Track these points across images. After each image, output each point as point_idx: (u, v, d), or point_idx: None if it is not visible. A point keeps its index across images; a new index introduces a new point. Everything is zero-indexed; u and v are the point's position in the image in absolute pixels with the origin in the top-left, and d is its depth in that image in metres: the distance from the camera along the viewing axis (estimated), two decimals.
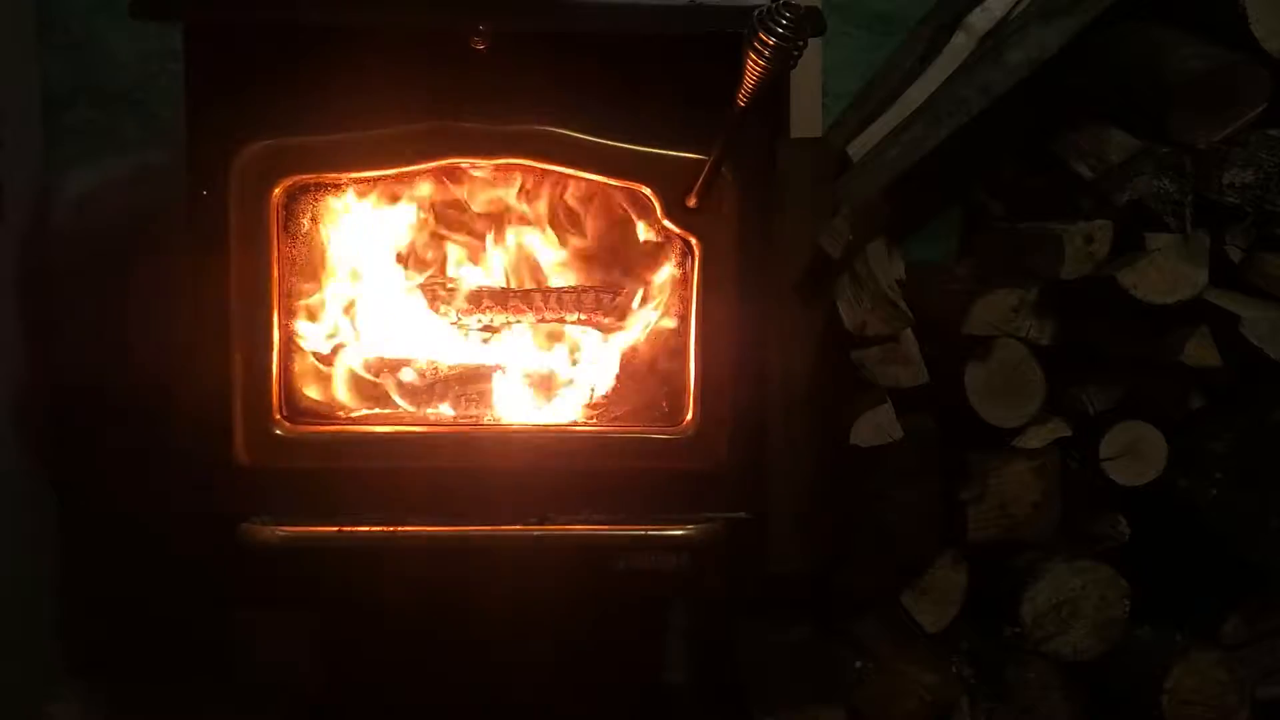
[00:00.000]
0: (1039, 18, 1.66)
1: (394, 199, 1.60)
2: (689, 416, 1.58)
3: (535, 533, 1.55)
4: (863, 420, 1.57)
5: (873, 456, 1.58)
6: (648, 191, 1.53)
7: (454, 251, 1.64)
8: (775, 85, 1.39)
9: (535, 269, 1.64)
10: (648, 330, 1.63)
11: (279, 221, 1.52)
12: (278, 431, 1.54)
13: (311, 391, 1.60)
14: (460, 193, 1.61)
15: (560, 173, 1.56)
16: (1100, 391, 1.62)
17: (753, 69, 1.37)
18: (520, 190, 1.61)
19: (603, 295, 1.63)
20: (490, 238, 1.63)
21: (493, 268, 1.64)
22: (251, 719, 1.83)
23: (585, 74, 1.52)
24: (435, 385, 1.63)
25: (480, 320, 1.62)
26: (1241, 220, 1.57)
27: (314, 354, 1.59)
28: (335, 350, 1.61)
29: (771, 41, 1.34)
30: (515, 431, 1.61)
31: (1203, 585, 1.69)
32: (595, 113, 1.51)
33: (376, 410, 1.61)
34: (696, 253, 1.55)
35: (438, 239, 1.64)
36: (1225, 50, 1.61)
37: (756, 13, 1.35)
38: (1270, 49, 1.59)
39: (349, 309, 1.61)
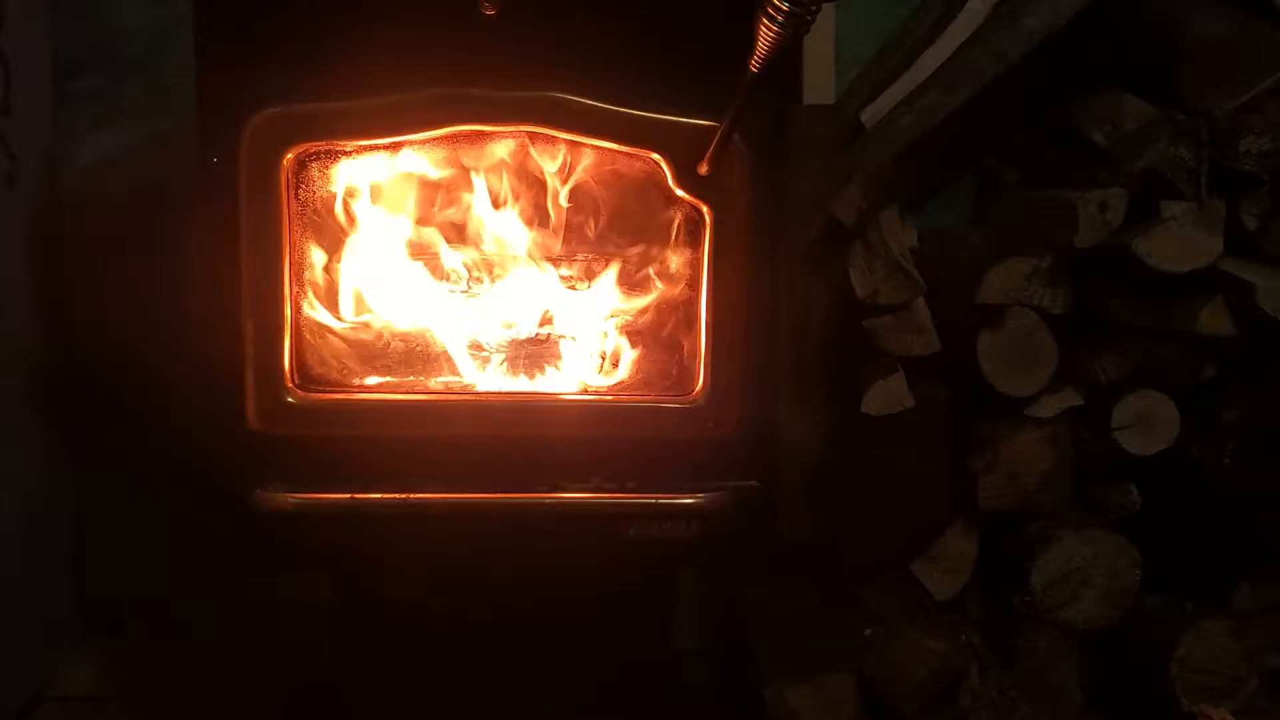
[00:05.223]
0: None
1: (404, 166, 1.59)
2: (700, 385, 1.58)
3: (546, 501, 1.55)
4: (874, 389, 1.57)
5: (884, 425, 1.58)
6: (659, 158, 1.52)
7: (466, 220, 1.64)
8: (788, 51, 1.38)
9: (547, 237, 1.64)
10: (659, 298, 1.63)
11: (290, 188, 1.52)
12: (290, 399, 1.54)
13: (322, 359, 1.60)
14: (470, 160, 1.60)
15: (570, 140, 1.55)
16: (1113, 360, 1.62)
17: (766, 34, 1.36)
18: (531, 158, 1.60)
19: (614, 264, 1.62)
20: (502, 206, 1.63)
21: (504, 236, 1.64)
22: (266, 684, 1.84)
23: (596, 40, 1.51)
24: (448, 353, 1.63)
25: (491, 289, 1.62)
26: (1258, 188, 1.55)
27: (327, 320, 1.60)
28: (346, 317, 1.61)
29: (785, 6, 1.33)
30: (527, 400, 1.61)
31: (1213, 555, 1.69)
32: (606, 79, 1.50)
33: (389, 378, 1.62)
34: (708, 220, 1.54)
35: (448, 207, 1.63)
36: (1245, 15, 1.59)
37: None
38: None
39: (359, 277, 1.61)
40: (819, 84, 1.87)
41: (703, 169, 1.50)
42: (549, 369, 1.64)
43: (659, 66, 1.51)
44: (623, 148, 1.53)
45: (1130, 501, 1.67)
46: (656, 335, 1.64)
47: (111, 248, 1.92)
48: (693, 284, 1.59)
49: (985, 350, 1.59)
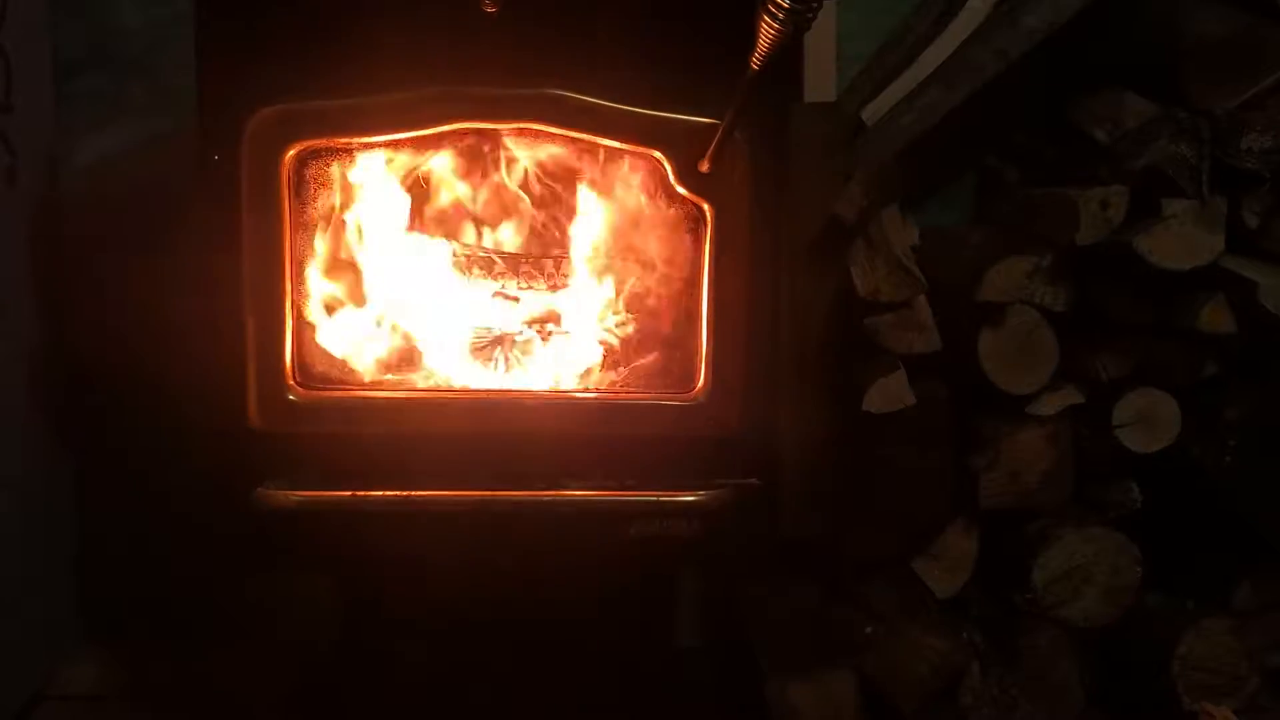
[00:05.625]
0: None
1: (405, 164, 1.59)
2: (701, 382, 1.58)
3: (547, 498, 1.55)
4: (875, 387, 1.57)
5: (885, 423, 1.58)
6: (660, 156, 1.52)
7: (467, 217, 1.64)
8: (789, 48, 1.38)
9: (547, 234, 1.64)
10: (660, 296, 1.63)
11: (290, 186, 1.52)
12: (291, 396, 1.54)
13: (324, 356, 1.60)
14: (471, 157, 1.60)
15: (571, 137, 1.55)
16: (1114, 358, 1.62)
17: (767, 31, 1.36)
18: (532, 155, 1.60)
19: (614, 262, 1.62)
20: (501, 203, 1.63)
21: (505, 233, 1.64)
22: (266, 684, 1.84)
23: (597, 37, 1.51)
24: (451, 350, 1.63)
25: (493, 286, 1.62)
26: (1259, 185, 1.55)
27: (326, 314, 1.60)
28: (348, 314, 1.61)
29: (786, 4, 1.33)
30: (528, 397, 1.61)
31: (1214, 553, 1.69)
32: (607, 76, 1.50)
33: (390, 375, 1.62)
34: (709, 218, 1.55)
35: (449, 204, 1.63)
36: (1246, 14, 1.59)
37: None
38: None
39: (361, 274, 1.61)
40: (820, 81, 1.86)
41: (704, 166, 1.51)
42: (550, 366, 1.64)
43: (660, 64, 1.51)
44: (624, 145, 1.53)
45: (1131, 499, 1.67)
46: (658, 332, 1.64)
47: (111, 248, 1.92)
48: (694, 281, 1.59)
49: (986, 348, 1.59)
